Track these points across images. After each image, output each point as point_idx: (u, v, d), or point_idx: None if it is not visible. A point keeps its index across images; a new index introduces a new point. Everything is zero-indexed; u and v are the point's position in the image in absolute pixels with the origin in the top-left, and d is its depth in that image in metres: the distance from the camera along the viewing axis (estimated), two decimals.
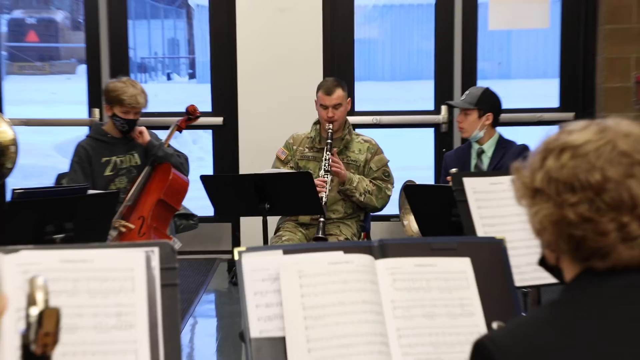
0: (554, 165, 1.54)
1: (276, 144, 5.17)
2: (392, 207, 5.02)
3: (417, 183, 4.51)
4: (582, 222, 1.51)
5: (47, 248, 1.78)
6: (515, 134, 5.16)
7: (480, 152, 4.79)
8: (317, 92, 4.84)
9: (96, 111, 6.47)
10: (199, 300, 5.63)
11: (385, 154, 4.96)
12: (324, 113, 4.79)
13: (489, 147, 4.78)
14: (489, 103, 4.76)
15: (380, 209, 4.91)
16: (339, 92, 4.79)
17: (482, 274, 2.06)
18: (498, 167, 4.67)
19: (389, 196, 4.86)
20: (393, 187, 4.90)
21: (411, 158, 10.54)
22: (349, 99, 4.92)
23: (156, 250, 1.79)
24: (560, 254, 1.59)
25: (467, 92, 4.84)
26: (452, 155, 4.96)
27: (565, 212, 1.51)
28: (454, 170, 4.48)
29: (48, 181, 9.51)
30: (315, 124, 4.93)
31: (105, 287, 1.75)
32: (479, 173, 4.28)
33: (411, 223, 4.55)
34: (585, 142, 1.53)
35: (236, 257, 1.94)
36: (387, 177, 4.86)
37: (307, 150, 4.89)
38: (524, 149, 4.66)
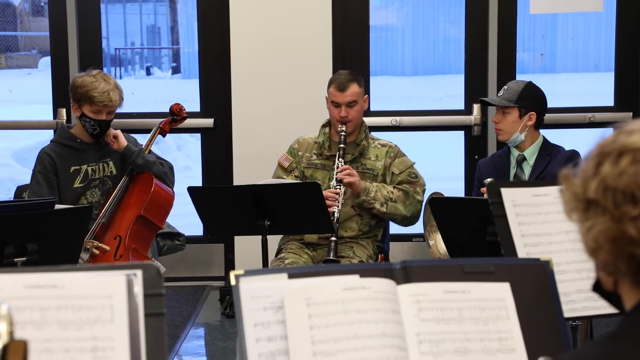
0: (611, 172, 1.54)
1: (276, 150, 5.18)
2: (415, 225, 5.02)
3: (445, 196, 4.51)
4: None
5: (10, 272, 1.79)
6: (562, 138, 5.17)
7: (521, 160, 4.80)
8: (329, 87, 4.85)
9: (63, 112, 6.50)
10: (186, 336, 5.64)
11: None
12: (335, 112, 4.80)
13: (531, 153, 4.78)
14: (531, 100, 4.77)
15: (412, 219, 4.84)
16: (354, 88, 4.80)
17: (524, 303, 2.07)
18: (542, 177, 4.68)
19: (419, 202, 4.81)
20: (424, 190, 4.87)
21: (438, 167, 10.56)
22: (366, 96, 4.92)
23: (139, 273, 1.80)
24: (619, 278, 1.59)
25: (505, 87, 4.85)
26: (487, 163, 4.96)
27: (625, 227, 1.52)
28: (489, 180, 4.50)
29: (6, 195, 9.55)
30: (324, 126, 4.94)
31: (79, 317, 1.76)
32: (520, 183, 4.28)
33: (438, 243, 4.55)
34: None
35: (232, 283, 1.95)
36: (414, 178, 4.84)
37: (314, 157, 4.90)
38: (574, 155, 4.67)
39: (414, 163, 4.91)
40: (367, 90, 6.06)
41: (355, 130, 4.86)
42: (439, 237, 4.43)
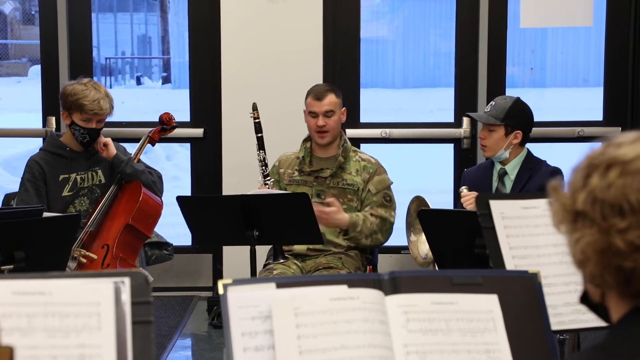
0: (600, 184, 1.55)
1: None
2: (402, 239, 5.02)
3: (433, 208, 4.50)
4: (633, 252, 1.51)
5: None
6: (550, 152, 5.18)
7: (503, 174, 4.76)
8: (306, 99, 4.88)
9: (52, 120, 6.49)
10: (173, 346, 5.62)
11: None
12: (313, 122, 4.82)
13: (512, 167, 4.74)
14: (518, 118, 4.72)
15: (384, 242, 4.93)
16: (331, 98, 4.83)
17: (512, 315, 2.07)
18: (523, 192, 4.65)
19: (392, 224, 4.87)
20: (395, 213, 4.91)
21: (427, 179, 10.58)
22: (344, 109, 4.93)
23: (127, 281, 1.80)
24: (606, 290, 1.59)
25: (492, 103, 4.81)
26: (472, 173, 4.94)
27: (613, 239, 1.52)
28: (463, 188, 4.53)
29: None
30: (305, 141, 4.96)
31: (66, 325, 1.76)
32: (509, 195, 4.27)
33: (420, 244, 4.55)
34: (636, 156, 1.54)
35: (220, 292, 1.94)
36: (388, 202, 4.85)
37: (296, 173, 4.91)
38: (555, 172, 4.63)
39: (392, 183, 4.91)
40: (355, 102, 6.08)
41: (334, 141, 4.87)
42: (422, 238, 4.42)
